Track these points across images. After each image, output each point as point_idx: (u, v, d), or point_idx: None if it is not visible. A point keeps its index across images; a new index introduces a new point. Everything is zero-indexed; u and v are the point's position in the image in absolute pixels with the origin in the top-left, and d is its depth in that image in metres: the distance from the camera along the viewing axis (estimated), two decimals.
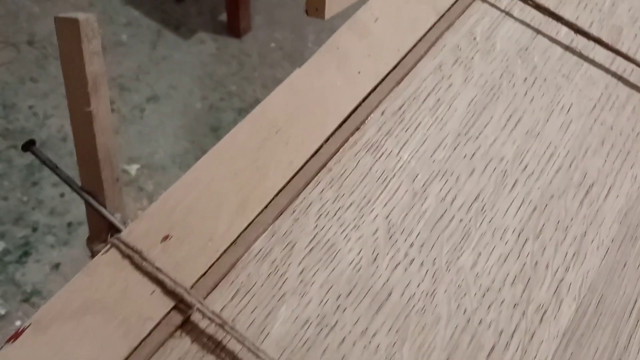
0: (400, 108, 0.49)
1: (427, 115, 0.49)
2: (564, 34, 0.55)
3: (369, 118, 0.48)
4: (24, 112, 1.73)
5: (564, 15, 0.55)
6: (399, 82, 0.50)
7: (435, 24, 0.53)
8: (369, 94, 0.49)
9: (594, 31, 0.55)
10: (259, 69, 1.88)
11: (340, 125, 0.47)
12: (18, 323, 1.50)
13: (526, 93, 0.51)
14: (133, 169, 1.70)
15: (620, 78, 0.53)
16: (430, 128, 0.49)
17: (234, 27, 1.91)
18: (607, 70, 0.53)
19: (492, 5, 0.56)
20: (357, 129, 0.48)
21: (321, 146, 0.46)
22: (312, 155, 0.45)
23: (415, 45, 0.51)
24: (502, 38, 0.54)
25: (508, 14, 0.55)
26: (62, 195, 1.61)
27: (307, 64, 0.49)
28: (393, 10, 0.52)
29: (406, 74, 0.50)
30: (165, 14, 1.93)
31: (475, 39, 0.53)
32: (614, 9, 0.57)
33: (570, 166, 0.48)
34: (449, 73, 0.51)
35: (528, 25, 0.55)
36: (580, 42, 0.55)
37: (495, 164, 0.47)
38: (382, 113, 0.49)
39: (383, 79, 0.49)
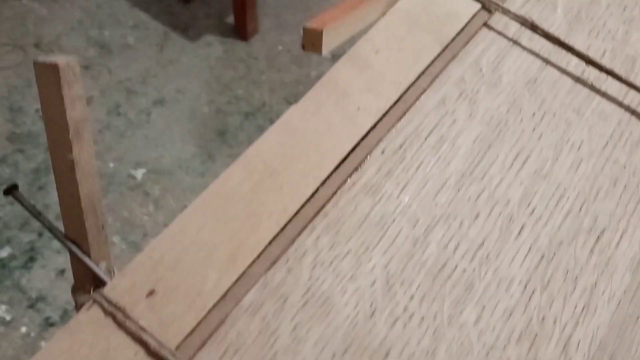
0: (401, 146, 0.46)
1: (430, 154, 0.46)
2: (574, 64, 0.52)
3: (368, 158, 0.45)
4: (31, 115, 1.71)
5: (574, 45, 0.52)
6: (400, 118, 0.47)
7: (439, 55, 0.50)
8: (369, 131, 0.46)
9: (606, 61, 0.52)
10: (266, 72, 1.86)
11: (337, 167, 0.44)
12: (24, 330, 1.49)
13: (534, 129, 0.48)
14: (139, 173, 1.68)
15: (634, 112, 0.50)
16: (433, 168, 0.46)
17: (241, 30, 1.88)
18: (620, 104, 0.51)
19: (500, 33, 0.53)
20: (356, 169, 0.45)
21: (317, 189, 0.43)
22: (308, 200, 0.43)
23: (417, 78, 0.49)
24: (510, 69, 0.51)
25: (516, 42, 0.53)
26: None
27: (303, 101, 0.46)
28: (395, 42, 0.50)
29: (408, 109, 0.48)
30: (172, 17, 1.90)
31: (481, 70, 0.51)
32: (628, 37, 0.54)
33: (580, 210, 0.45)
34: (453, 108, 0.49)
35: (537, 55, 0.52)
36: (591, 74, 0.52)
37: (501, 208, 0.45)
38: (382, 152, 0.46)
39: (383, 115, 0.47)
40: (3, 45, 1.83)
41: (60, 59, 0.36)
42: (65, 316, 1.48)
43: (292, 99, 1.82)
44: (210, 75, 1.84)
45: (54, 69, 0.36)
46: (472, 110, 0.49)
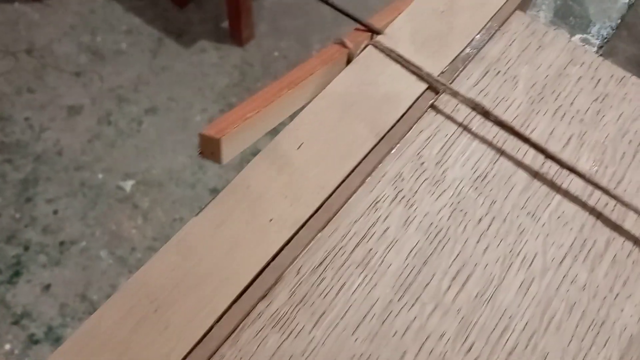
0: (321, 264, 0.39)
1: (354, 274, 0.39)
2: (532, 156, 0.44)
3: (280, 281, 0.38)
4: (20, 124, 1.65)
5: (537, 127, 0.44)
6: (321, 229, 0.39)
7: (374, 147, 0.42)
8: (282, 247, 0.38)
9: (570, 151, 0.44)
10: (261, 79, 1.78)
11: (241, 294, 0.37)
12: (8, 347, 1.44)
13: (479, 239, 0.40)
14: (128, 185, 1.62)
15: (599, 216, 0.42)
16: (356, 292, 0.38)
17: (237, 36, 1.80)
18: (583, 206, 0.42)
19: (448, 117, 0.45)
20: (264, 296, 0.37)
21: (212, 327, 0.36)
22: (199, 341, 0.35)
23: (346, 178, 0.41)
24: (456, 163, 0.43)
25: (466, 128, 0.44)
26: (55, 212, 1.54)
27: (205, 211, 0.38)
28: (322, 132, 0.42)
29: (332, 218, 0.40)
30: (167, 22, 1.82)
31: (422, 164, 0.43)
32: (598, 118, 0.46)
33: (527, 346, 0.37)
34: (386, 213, 0.41)
35: (489, 145, 0.44)
36: (552, 168, 0.43)
37: (433, 344, 0.37)
38: (298, 272, 0.38)
39: (302, 227, 0.39)
40: None
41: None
42: (49, 333, 1.43)
43: None
44: (203, 82, 1.76)
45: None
46: (408, 215, 0.41)
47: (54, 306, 1.48)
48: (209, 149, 0.36)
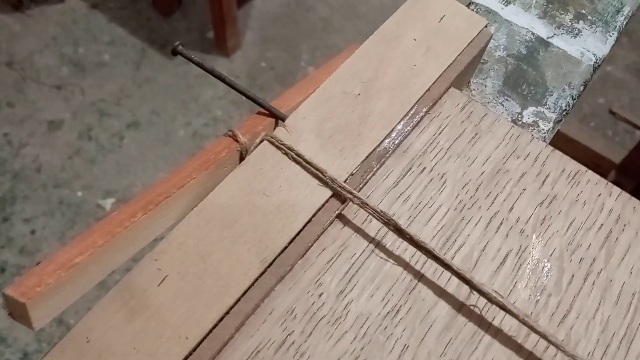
0: None
1: None
2: (455, 285, 0.34)
3: None
4: None
5: (460, 253, 0.35)
6: None
7: (258, 278, 0.33)
8: None
9: (505, 273, 0.35)
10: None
11: None
12: None
13: None
14: (108, 203, 1.54)
15: None
16: None
17: (222, 45, 1.71)
18: (518, 350, 0.33)
19: (357, 230, 0.35)
20: None
21: None
22: None
23: (218, 322, 0.32)
24: (362, 293, 0.34)
25: (379, 245, 0.35)
26: (33, 232, 1.46)
27: None
28: (193, 261, 0.33)
29: None
30: (151, 32, 1.73)
31: (321, 295, 0.34)
32: (542, 229, 0.36)
33: None
34: None
35: (406, 268, 0.35)
36: (480, 301, 0.34)
37: None
38: None
39: None
40: None
41: None
42: (25, 359, 1.36)
43: None
44: (187, 95, 1.68)
45: None
46: None
47: (30, 331, 1.41)
48: (17, 311, 0.27)
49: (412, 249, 0.35)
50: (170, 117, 1.64)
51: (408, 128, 0.38)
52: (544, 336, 0.32)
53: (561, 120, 0.44)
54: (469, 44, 0.41)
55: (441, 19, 0.42)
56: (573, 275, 0.36)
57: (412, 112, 0.39)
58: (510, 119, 0.44)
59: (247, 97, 0.40)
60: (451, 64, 0.41)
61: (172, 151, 1.60)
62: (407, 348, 0.33)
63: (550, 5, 0.50)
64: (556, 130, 0.44)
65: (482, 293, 0.33)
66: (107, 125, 1.62)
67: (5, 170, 1.54)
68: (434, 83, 0.39)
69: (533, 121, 0.44)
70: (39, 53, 1.70)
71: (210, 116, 1.65)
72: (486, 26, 0.42)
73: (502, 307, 0.33)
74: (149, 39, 1.74)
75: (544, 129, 0.44)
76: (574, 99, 0.45)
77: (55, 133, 1.59)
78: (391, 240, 0.35)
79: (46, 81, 1.66)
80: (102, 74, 1.69)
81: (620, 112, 1.72)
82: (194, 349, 0.31)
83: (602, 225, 0.37)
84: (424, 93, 0.39)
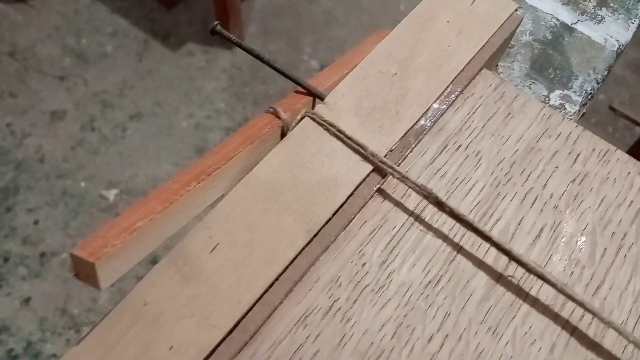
0: None
1: None
2: (493, 257, 0.36)
3: None
4: (1, 130, 1.58)
5: (497, 226, 0.36)
6: (234, 356, 0.32)
7: (304, 247, 0.34)
8: None
9: (541, 246, 0.36)
10: (250, 84, 1.70)
11: None
12: None
13: None
14: (111, 194, 1.55)
15: (574, 332, 0.34)
16: None
17: None
18: (555, 318, 0.35)
19: (397, 204, 0.37)
20: None
21: None
22: None
23: (268, 289, 0.33)
24: (404, 264, 0.35)
25: (418, 219, 0.37)
26: (36, 222, 1.47)
27: (89, 338, 0.31)
28: (242, 231, 0.34)
29: (247, 342, 0.32)
30: (153, 23, 1.74)
31: (364, 265, 0.35)
32: (575, 205, 0.38)
33: None
34: (317, 331, 0.33)
35: (445, 240, 0.36)
36: (518, 271, 0.36)
37: None
38: None
39: (209, 356, 0.31)
40: None
41: None
42: (29, 348, 1.37)
43: None
44: (190, 87, 1.68)
45: None
46: (344, 333, 0.33)
47: (34, 320, 1.42)
48: (84, 271, 0.28)
49: (450, 221, 0.37)
50: (173, 108, 1.65)
51: (443, 107, 0.40)
52: (581, 304, 0.34)
53: (586, 103, 0.46)
54: (500, 27, 0.43)
55: (473, 2, 0.43)
56: (605, 249, 0.37)
57: (447, 91, 0.40)
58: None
59: (286, 75, 0.41)
60: (483, 46, 0.42)
61: (174, 142, 1.61)
62: (448, 315, 0.34)
63: None
64: (582, 113, 0.45)
65: (521, 264, 0.34)
66: (109, 117, 1.63)
67: (8, 161, 1.55)
68: (467, 64, 0.41)
69: (560, 104, 0.46)
70: (42, 43, 1.71)
71: (213, 108, 1.66)
72: (516, 10, 0.44)
73: (541, 277, 0.34)
74: (152, 31, 1.75)
75: (570, 112, 0.45)
76: (598, 83, 0.46)
77: (58, 124, 1.60)
78: (430, 214, 0.37)
79: (49, 72, 1.67)
80: (104, 65, 1.70)
81: (621, 108, 1.74)
82: (246, 313, 0.33)
83: (632, 202, 0.39)
84: (458, 73, 0.40)
